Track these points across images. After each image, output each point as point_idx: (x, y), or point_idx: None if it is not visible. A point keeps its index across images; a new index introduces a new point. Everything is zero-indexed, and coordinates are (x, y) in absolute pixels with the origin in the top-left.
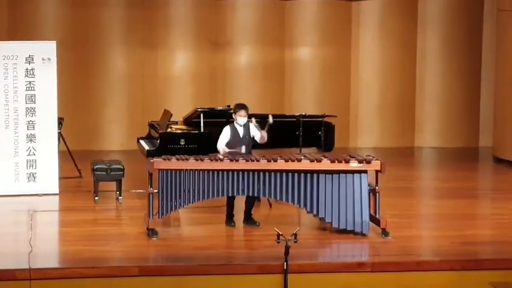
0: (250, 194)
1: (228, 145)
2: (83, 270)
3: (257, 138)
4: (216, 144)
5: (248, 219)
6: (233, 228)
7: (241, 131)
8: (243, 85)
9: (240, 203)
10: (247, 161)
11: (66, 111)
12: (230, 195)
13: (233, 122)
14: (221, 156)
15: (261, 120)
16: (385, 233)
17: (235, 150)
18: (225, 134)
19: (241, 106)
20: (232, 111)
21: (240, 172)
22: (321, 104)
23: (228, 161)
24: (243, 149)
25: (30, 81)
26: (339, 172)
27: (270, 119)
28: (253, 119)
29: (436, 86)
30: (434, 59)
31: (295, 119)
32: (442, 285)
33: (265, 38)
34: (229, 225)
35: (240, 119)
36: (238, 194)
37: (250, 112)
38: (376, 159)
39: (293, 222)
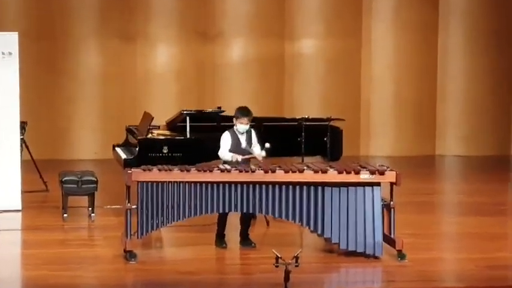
0: (245, 210)
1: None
2: None
3: (255, 151)
4: (206, 152)
5: (244, 239)
6: (224, 250)
7: (242, 138)
8: (236, 84)
9: (233, 221)
10: (240, 171)
11: (30, 114)
12: (221, 211)
13: (232, 127)
14: (225, 166)
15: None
16: (401, 255)
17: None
18: (226, 141)
19: (245, 112)
20: (233, 116)
21: (233, 185)
22: (327, 105)
23: (219, 171)
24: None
25: None
26: (347, 185)
27: (267, 145)
28: (267, 144)
29: (461, 84)
30: (458, 54)
31: (296, 123)
32: None
33: (262, 28)
34: (220, 246)
35: (241, 126)
36: (231, 211)
37: None
38: (391, 170)
39: (294, 243)
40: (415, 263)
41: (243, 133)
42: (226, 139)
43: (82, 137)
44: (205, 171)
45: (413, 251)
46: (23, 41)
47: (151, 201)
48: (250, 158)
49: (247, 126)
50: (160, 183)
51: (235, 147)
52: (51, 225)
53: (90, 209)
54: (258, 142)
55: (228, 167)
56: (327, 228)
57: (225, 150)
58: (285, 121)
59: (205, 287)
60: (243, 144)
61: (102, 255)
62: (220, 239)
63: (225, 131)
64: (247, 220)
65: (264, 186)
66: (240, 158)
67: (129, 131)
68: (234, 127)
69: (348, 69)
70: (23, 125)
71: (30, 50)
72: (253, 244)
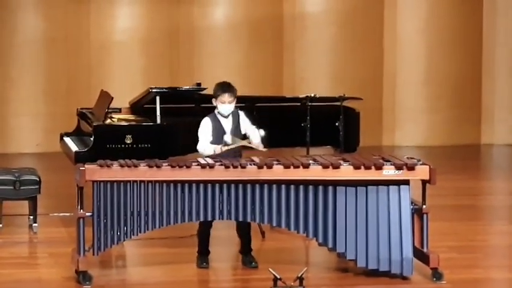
0: (233, 218)
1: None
2: None
3: (252, 137)
4: (181, 142)
5: (246, 256)
6: (207, 271)
7: (227, 124)
8: (221, 53)
9: (215, 233)
10: (227, 167)
11: None
12: (202, 219)
13: (214, 111)
14: (206, 160)
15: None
16: (437, 275)
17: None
18: (205, 130)
19: (225, 87)
20: (213, 93)
21: (217, 185)
22: (339, 81)
23: (198, 167)
24: (228, 139)
25: None
26: (366, 183)
27: (261, 132)
28: (261, 131)
29: None
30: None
31: (299, 104)
32: None
33: None
34: (201, 266)
35: (223, 107)
36: (214, 219)
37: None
38: (423, 164)
39: (297, 260)
40: (455, 285)
41: (227, 116)
42: (205, 127)
43: (20, 124)
44: (180, 167)
45: (453, 269)
46: None
47: (111, 207)
48: (248, 147)
49: (232, 106)
50: (122, 184)
51: (217, 137)
52: None
53: (31, 217)
54: (254, 125)
55: (210, 161)
56: (340, 241)
57: (205, 142)
58: (284, 101)
59: None
60: (228, 131)
61: (47, 278)
62: (203, 257)
63: (206, 115)
64: (245, 230)
65: (257, 186)
66: (222, 148)
67: (81, 115)
68: (215, 110)
69: (367, 32)
70: None
71: None
72: (253, 263)
